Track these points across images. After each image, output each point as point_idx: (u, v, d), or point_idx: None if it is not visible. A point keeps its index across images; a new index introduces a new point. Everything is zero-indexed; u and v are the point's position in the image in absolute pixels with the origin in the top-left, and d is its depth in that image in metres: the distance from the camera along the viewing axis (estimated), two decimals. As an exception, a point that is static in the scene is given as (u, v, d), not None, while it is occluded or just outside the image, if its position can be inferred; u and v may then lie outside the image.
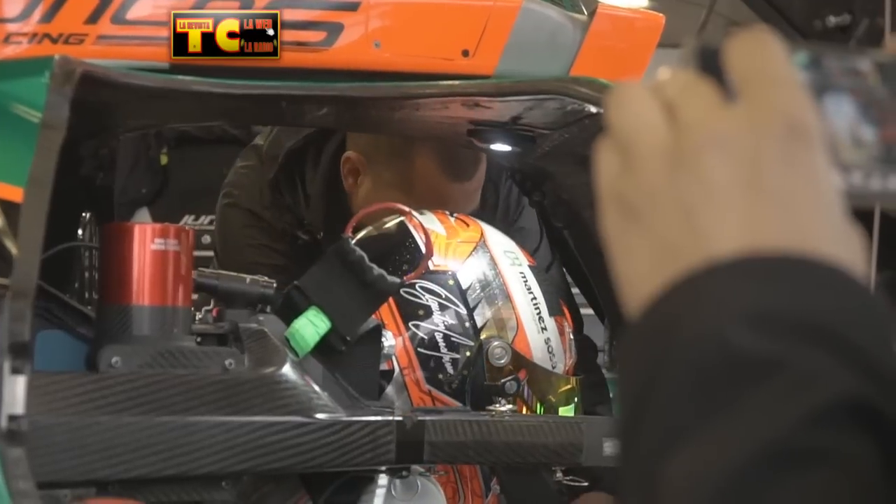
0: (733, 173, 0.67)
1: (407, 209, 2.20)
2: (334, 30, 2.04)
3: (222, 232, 3.03)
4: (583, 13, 2.18)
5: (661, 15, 2.21)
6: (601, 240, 0.72)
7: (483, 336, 2.15)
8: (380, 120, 2.36)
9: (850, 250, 0.67)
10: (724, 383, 0.62)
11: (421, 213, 2.26)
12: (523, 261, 2.25)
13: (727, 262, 0.65)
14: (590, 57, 2.13)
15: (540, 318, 2.19)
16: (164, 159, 5.35)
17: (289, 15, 2.02)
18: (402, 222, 2.24)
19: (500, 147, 2.41)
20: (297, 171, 2.91)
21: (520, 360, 2.15)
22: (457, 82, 2.09)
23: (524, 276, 2.21)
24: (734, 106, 0.69)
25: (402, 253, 2.20)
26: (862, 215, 0.72)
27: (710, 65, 0.72)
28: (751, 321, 0.63)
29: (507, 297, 2.18)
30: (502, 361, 2.14)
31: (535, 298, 2.20)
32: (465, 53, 2.09)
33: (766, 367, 0.62)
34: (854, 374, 0.62)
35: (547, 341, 2.19)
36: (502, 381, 2.14)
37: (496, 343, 2.15)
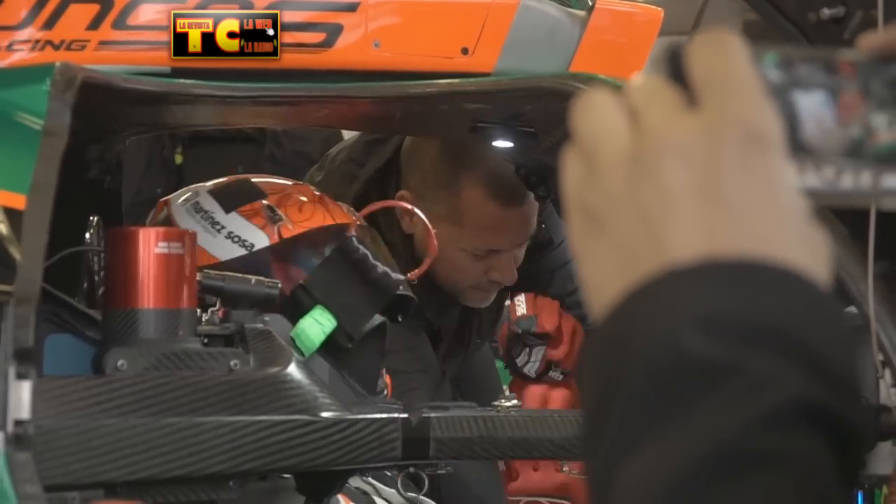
0: (690, 180, 0.67)
1: (411, 207, 2.20)
2: (334, 30, 2.05)
3: None
4: (587, 7, 2.19)
5: (659, 9, 2.21)
6: None
7: None
8: (382, 119, 2.37)
9: (810, 254, 0.67)
10: (678, 388, 0.63)
11: None
12: None
13: (684, 268, 0.66)
14: (589, 52, 2.14)
15: None
16: (178, 159, 5.36)
17: (288, 16, 2.03)
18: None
19: (503, 143, 2.41)
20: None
21: None
22: (457, 81, 2.10)
23: None
24: (694, 112, 0.70)
25: None
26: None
27: (677, 70, 0.72)
28: (704, 325, 0.64)
29: None
30: None
31: None
32: (465, 51, 2.10)
33: (718, 371, 0.63)
34: (807, 377, 0.63)
35: None
36: None
37: None
